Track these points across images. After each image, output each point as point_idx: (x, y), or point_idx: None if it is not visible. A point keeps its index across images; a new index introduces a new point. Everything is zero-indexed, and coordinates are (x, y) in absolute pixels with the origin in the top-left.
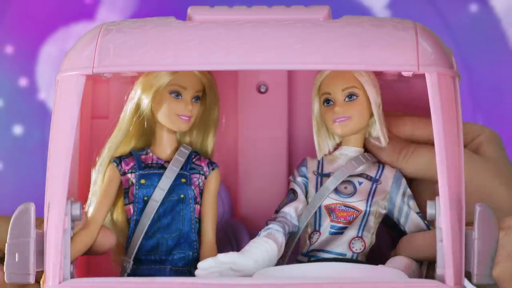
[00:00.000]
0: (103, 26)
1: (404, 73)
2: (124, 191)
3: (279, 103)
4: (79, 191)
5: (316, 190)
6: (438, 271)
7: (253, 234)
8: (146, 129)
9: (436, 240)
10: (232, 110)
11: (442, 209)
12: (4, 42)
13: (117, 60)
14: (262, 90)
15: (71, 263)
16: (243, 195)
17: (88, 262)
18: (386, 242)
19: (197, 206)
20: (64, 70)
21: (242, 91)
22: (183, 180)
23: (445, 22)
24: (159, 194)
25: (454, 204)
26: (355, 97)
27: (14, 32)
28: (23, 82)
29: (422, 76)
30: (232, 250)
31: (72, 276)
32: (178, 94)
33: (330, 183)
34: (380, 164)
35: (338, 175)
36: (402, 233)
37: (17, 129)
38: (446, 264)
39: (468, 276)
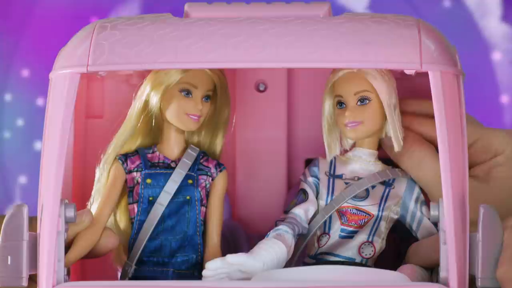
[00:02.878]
0: (98, 23)
1: (407, 71)
2: (128, 189)
3: (278, 102)
4: (73, 192)
5: (328, 191)
6: (442, 273)
7: (251, 236)
8: (154, 127)
9: (440, 242)
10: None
11: (445, 210)
12: (21, 67)
13: (112, 58)
14: (261, 88)
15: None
16: (241, 196)
17: (83, 265)
18: (389, 245)
19: (203, 208)
20: (58, 68)
21: (240, 89)
22: (190, 181)
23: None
24: (165, 197)
25: (457, 205)
26: (367, 101)
27: (29, 57)
28: (40, 101)
29: (426, 74)
30: (230, 251)
31: (66, 280)
32: (188, 93)
33: (349, 191)
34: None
35: (358, 185)
36: (405, 237)
37: (38, 145)
38: (449, 266)
39: (472, 279)
